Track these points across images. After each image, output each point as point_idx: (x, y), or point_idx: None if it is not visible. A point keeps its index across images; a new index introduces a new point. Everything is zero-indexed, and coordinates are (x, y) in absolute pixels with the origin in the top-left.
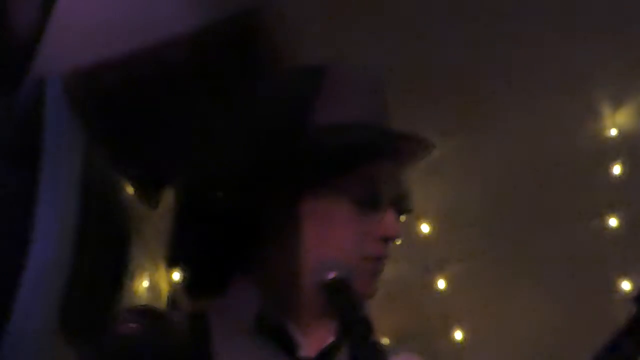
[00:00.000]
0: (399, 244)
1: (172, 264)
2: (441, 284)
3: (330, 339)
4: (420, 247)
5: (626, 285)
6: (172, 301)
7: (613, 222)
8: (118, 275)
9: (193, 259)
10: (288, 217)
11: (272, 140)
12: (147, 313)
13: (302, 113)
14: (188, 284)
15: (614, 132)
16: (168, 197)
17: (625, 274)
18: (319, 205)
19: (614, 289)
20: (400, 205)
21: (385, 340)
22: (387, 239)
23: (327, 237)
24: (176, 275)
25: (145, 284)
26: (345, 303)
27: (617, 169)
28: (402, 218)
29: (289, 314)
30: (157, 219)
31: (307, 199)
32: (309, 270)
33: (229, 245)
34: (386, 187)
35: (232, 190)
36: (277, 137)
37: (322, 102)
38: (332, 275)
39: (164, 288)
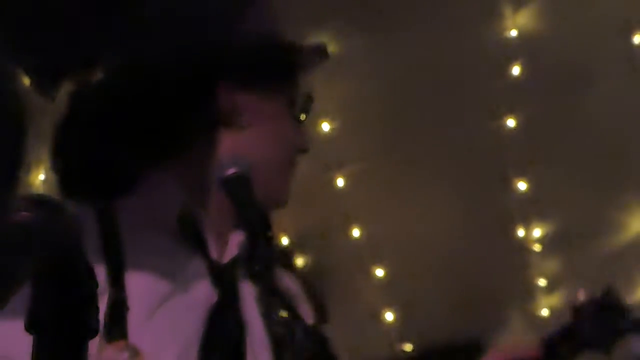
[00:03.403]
0: None
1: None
2: (341, 182)
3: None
4: (321, 146)
5: (522, 186)
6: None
7: (511, 122)
8: (13, 166)
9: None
10: (217, 113)
11: (203, 36)
12: (42, 202)
13: (232, 16)
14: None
15: (514, 33)
16: (65, 89)
17: (522, 174)
18: (259, 104)
19: (510, 188)
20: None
21: (283, 238)
22: (303, 151)
23: (264, 136)
24: None
25: (41, 176)
26: (244, 198)
27: (516, 70)
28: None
29: (205, 216)
30: (54, 111)
31: (241, 95)
32: (214, 166)
33: (151, 138)
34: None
35: (166, 81)
36: (208, 34)
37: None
38: (231, 170)
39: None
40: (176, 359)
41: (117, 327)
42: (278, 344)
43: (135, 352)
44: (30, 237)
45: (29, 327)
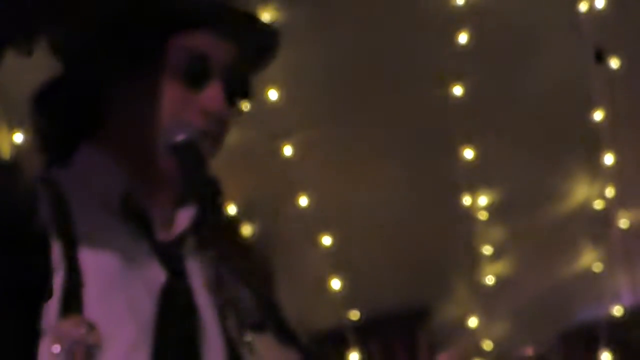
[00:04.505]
0: (247, 111)
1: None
2: (288, 150)
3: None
4: (268, 114)
5: (469, 154)
6: (15, 162)
7: (458, 90)
8: None
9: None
10: (132, 84)
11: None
12: None
13: None
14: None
15: (461, 1)
16: (8, 59)
17: (469, 143)
18: (146, 76)
19: (457, 157)
20: (234, 83)
21: (231, 207)
22: (208, 113)
23: (154, 109)
24: (19, 137)
25: None
26: (194, 164)
27: (463, 38)
28: (244, 102)
29: (150, 192)
30: None
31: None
32: (158, 133)
33: (76, 107)
34: (214, 60)
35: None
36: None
37: None
38: (180, 137)
39: (6, 149)
40: (133, 339)
41: (72, 302)
42: (224, 315)
43: (91, 328)
44: None
45: None
